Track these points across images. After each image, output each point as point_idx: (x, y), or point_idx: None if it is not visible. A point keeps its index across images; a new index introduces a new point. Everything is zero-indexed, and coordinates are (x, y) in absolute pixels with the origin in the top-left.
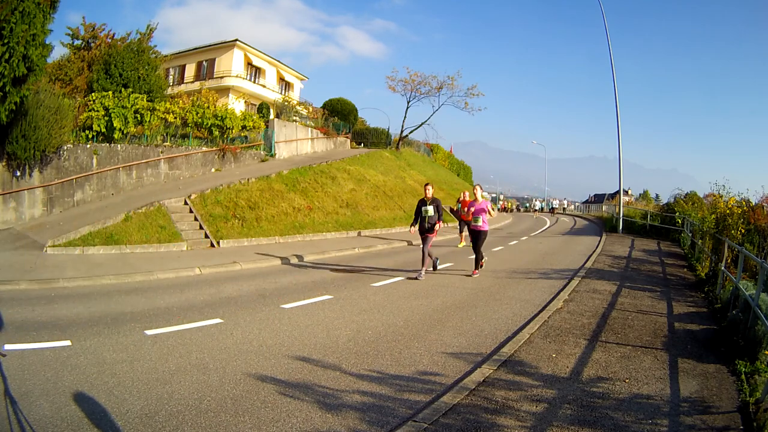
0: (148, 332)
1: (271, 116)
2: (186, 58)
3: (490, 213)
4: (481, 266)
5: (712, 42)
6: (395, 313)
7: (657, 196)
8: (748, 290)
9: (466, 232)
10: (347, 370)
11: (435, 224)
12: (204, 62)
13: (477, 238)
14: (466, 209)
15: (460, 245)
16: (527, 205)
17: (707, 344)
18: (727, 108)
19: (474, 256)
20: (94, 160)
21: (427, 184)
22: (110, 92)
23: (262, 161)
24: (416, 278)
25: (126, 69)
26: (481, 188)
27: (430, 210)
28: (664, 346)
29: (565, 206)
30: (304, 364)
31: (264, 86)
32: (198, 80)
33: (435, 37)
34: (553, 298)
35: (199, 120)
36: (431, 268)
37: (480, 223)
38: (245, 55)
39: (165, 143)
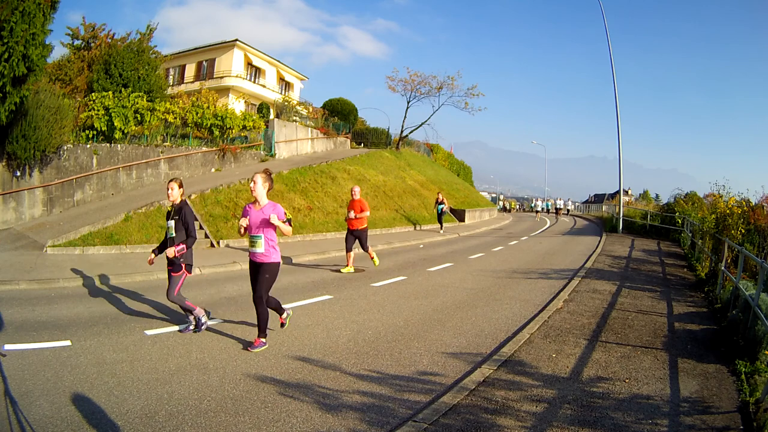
0: (148, 332)
1: (271, 116)
2: (186, 58)
3: (281, 230)
4: (282, 324)
5: (713, 42)
6: (395, 313)
7: (657, 196)
8: (748, 290)
9: (356, 249)
10: (347, 370)
11: (179, 251)
12: (204, 62)
13: (255, 276)
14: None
15: (345, 270)
16: (532, 205)
17: (707, 344)
18: (727, 108)
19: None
20: (94, 160)
21: (171, 181)
22: (110, 92)
23: (262, 161)
24: (190, 330)
25: (126, 69)
26: (267, 178)
27: (171, 227)
28: (664, 346)
29: (569, 207)
30: (304, 364)
31: (264, 86)
32: (198, 80)
33: (437, 37)
34: (553, 298)
35: (199, 120)
36: (194, 326)
37: (260, 249)
38: (245, 55)
39: (165, 143)
